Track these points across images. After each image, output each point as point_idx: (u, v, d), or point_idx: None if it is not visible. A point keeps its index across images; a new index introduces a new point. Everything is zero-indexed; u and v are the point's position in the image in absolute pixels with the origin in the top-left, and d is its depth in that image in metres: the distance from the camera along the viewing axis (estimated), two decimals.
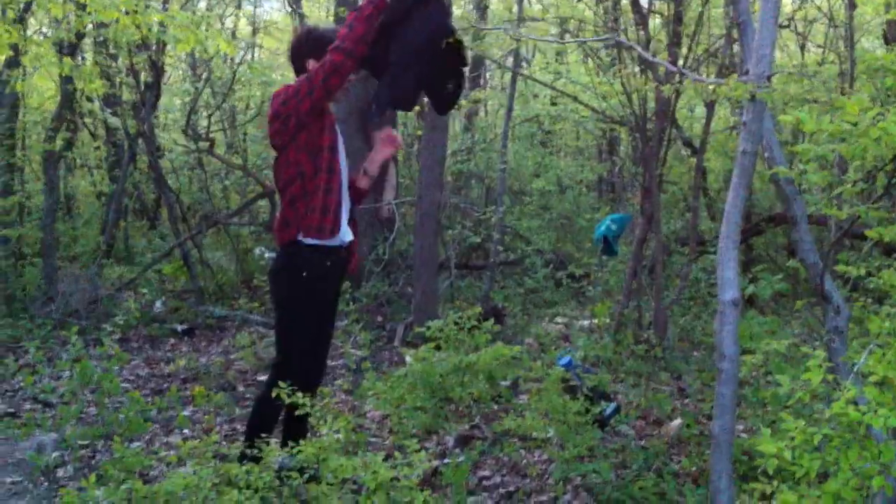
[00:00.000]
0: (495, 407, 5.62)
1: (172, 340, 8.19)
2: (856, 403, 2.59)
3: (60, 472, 4.76)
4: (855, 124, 2.60)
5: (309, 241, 3.95)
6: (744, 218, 3.38)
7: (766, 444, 2.56)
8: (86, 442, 5.18)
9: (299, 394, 3.50)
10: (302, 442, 3.37)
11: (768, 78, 3.11)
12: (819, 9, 11.23)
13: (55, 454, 4.90)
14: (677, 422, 5.30)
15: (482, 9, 10.79)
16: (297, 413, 3.56)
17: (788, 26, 10.11)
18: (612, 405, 5.28)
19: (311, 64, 3.92)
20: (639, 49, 4.14)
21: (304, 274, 3.98)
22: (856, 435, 2.61)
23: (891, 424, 2.48)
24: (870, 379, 2.66)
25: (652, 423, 5.45)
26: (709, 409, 5.40)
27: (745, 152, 3.17)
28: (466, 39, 8.47)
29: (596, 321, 7.93)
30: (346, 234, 4.09)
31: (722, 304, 3.19)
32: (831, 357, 3.36)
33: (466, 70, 4.36)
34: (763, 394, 4.95)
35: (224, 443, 5.16)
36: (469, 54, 4.80)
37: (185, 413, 5.81)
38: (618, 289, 8.11)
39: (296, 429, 4.03)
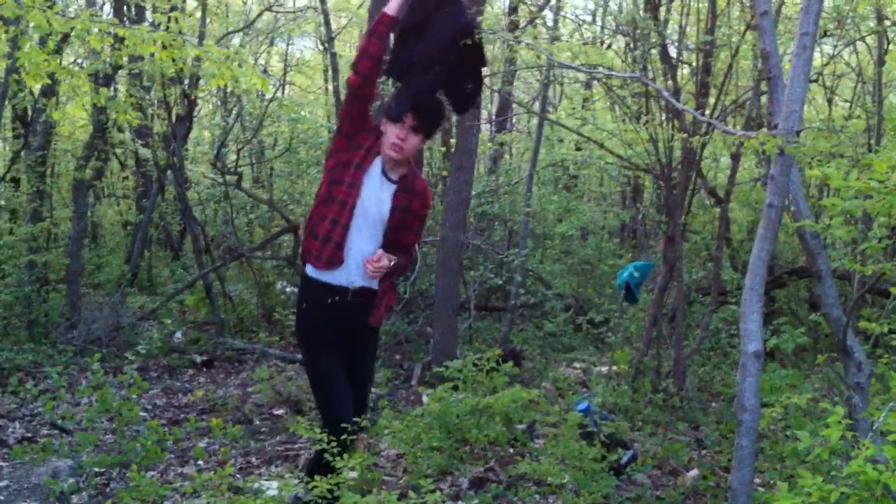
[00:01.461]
0: (511, 450, 5.60)
1: (191, 371, 8.22)
2: (874, 462, 2.58)
3: (75, 499, 4.78)
4: (882, 182, 2.61)
5: (311, 271, 3.99)
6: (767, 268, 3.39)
7: (783, 500, 2.55)
8: (102, 469, 5.19)
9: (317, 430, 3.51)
10: (317, 478, 3.38)
11: (797, 133, 3.13)
12: (848, 64, 11.27)
13: (71, 480, 4.91)
14: (693, 472, 5.26)
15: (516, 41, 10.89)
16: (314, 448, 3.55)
17: (817, 80, 10.13)
18: (629, 453, 5.24)
19: None
20: (665, 94, 4.18)
21: (304, 305, 4.06)
22: (873, 493, 2.59)
23: None
24: (889, 437, 2.65)
25: (668, 472, 5.41)
26: (726, 461, 5.36)
27: (771, 205, 3.18)
28: (492, 80, 8.58)
29: (615, 368, 7.90)
30: (352, 276, 3.94)
31: (744, 355, 3.18)
32: (851, 413, 3.35)
33: (486, 70, 4.35)
34: (781, 448, 4.91)
35: (239, 475, 5.17)
36: (488, 54, 4.79)
37: (202, 444, 5.82)
38: (637, 336, 8.08)
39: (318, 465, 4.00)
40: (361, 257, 3.89)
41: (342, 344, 4.03)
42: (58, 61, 6.35)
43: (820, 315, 3.57)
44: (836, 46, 9.23)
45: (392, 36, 4.00)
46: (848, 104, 12.03)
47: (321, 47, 15.27)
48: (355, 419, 3.86)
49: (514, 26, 11.21)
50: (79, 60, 12.25)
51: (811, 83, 9.72)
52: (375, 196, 3.91)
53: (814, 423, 4.85)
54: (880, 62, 8.35)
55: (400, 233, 3.98)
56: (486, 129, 14.10)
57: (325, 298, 3.98)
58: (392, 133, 3.87)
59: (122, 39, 5.57)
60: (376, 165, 3.93)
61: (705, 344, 8.13)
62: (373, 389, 7.35)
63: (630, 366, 7.56)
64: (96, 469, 5.15)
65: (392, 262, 3.87)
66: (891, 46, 9.46)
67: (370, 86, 3.88)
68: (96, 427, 5.86)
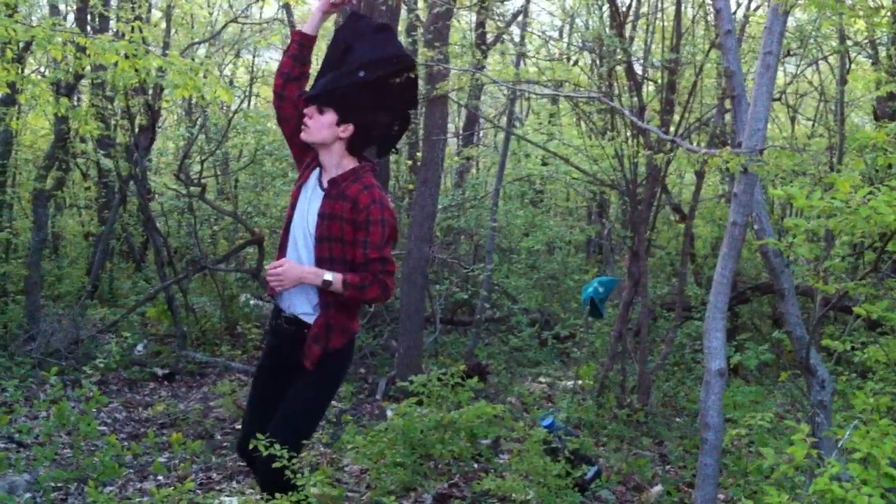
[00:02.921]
0: (475, 466, 5.57)
1: (152, 385, 8.11)
2: (839, 480, 2.58)
3: None
4: (846, 202, 2.63)
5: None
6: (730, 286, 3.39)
7: None
8: (59, 484, 5.09)
9: (277, 445, 3.45)
10: (278, 495, 3.32)
11: (760, 151, 3.15)
12: (811, 83, 11.42)
13: (27, 495, 4.82)
14: (658, 488, 5.27)
15: (478, 70, 10.91)
16: (273, 466, 3.48)
17: (780, 99, 10.26)
18: (594, 469, 5.24)
19: None
20: (626, 113, 4.19)
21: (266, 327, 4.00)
22: None
23: (874, 503, 2.47)
24: (854, 455, 2.66)
25: (632, 488, 5.41)
26: (690, 477, 5.37)
27: (735, 224, 3.20)
28: (459, 95, 8.59)
29: (580, 383, 7.91)
30: (288, 301, 3.76)
31: (708, 373, 3.19)
32: (815, 431, 3.36)
33: (412, 113, 4.18)
34: (745, 464, 4.93)
35: (199, 491, 5.09)
36: (419, 96, 4.62)
37: (161, 459, 5.73)
38: (603, 351, 8.10)
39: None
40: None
41: (279, 370, 3.86)
42: (18, 70, 6.26)
43: (783, 332, 3.58)
44: (799, 66, 9.34)
45: (310, 53, 3.89)
46: (811, 122, 12.18)
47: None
48: (252, 449, 3.55)
49: (481, 41, 11.24)
50: (41, 69, 12.11)
51: (774, 101, 9.85)
52: (306, 207, 3.73)
53: (778, 439, 4.88)
54: (842, 81, 8.47)
55: (336, 245, 3.63)
56: (452, 143, 14.11)
57: (273, 321, 3.92)
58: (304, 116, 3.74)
59: (83, 49, 5.50)
60: (313, 177, 3.78)
61: (670, 359, 8.17)
62: (335, 404, 7.31)
63: (595, 381, 7.57)
64: (53, 484, 5.05)
65: (302, 275, 3.60)
66: (853, 66, 9.60)
67: (287, 104, 3.80)
68: (54, 441, 5.75)
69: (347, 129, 3.69)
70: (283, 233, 3.81)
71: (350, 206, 3.61)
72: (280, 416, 3.69)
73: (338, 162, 3.72)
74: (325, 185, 3.71)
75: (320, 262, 3.64)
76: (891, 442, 2.71)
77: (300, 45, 3.80)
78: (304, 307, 3.72)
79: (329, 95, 3.66)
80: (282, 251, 3.78)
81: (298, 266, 3.64)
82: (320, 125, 3.67)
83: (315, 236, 3.65)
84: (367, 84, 3.70)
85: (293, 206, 3.78)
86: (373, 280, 3.59)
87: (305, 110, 3.70)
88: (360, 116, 3.70)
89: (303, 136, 3.71)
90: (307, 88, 3.83)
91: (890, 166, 3.98)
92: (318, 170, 3.79)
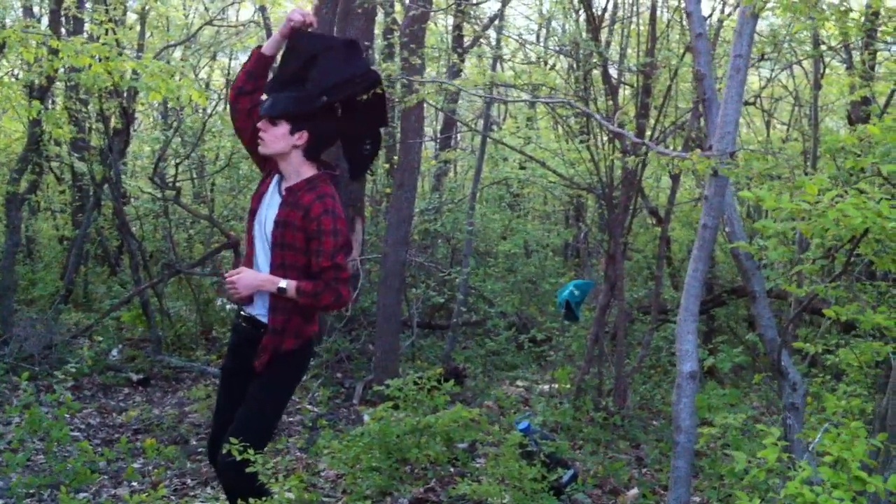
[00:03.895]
0: (452, 470, 5.56)
1: (127, 390, 8.05)
2: (811, 483, 2.59)
3: None
4: (814, 204, 2.64)
5: None
6: (706, 289, 3.41)
7: None
8: (32, 490, 5.04)
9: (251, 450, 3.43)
10: (252, 501, 3.30)
11: (731, 154, 3.16)
12: (785, 87, 11.49)
13: (0, 502, 4.77)
14: (634, 491, 5.28)
15: (455, 73, 10.92)
16: (246, 470, 3.46)
17: (754, 103, 10.31)
18: (570, 472, 5.24)
19: None
20: (597, 118, 4.20)
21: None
22: None
23: None
24: (825, 459, 2.67)
25: (609, 491, 5.42)
26: (666, 480, 5.38)
27: (705, 226, 3.21)
28: (435, 98, 8.59)
29: (556, 386, 7.91)
30: (251, 306, 3.83)
31: (680, 376, 3.20)
32: (787, 434, 3.37)
33: (383, 131, 4.15)
34: (720, 467, 4.95)
35: (173, 497, 5.06)
36: (388, 114, 4.58)
37: (135, 465, 5.69)
38: (579, 354, 8.11)
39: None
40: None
41: (239, 370, 3.90)
42: None
43: (756, 335, 3.60)
44: (773, 70, 9.40)
45: (266, 73, 3.91)
46: (786, 127, 12.26)
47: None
48: (221, 447, 3.61)
49: (458, 44, 11.25)
50: (14, 72, 12.01)
51: (749, 105, 9.92)
52: (265, 214, 3.79)
53: (751, 441, 4.90)
54: (817, 86, 8.52)
55: (289, 252, 3.68)
56: (430, 146, 14.11)
57: (235, 318, 4.02)
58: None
59: (56, 51, 5.47)
60: (273, 183, 3.82)
61: (646, 362, 8.19)
62: (312, 408, 7.28)
63: (571, 384, 7.58)
64: (26, 490, 5.00)
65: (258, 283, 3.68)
66: (827, 70, 9.66)
67: (240, 116, 3.85)
68: (26, 447, 5.69)
69: (302, 137, 3.71)
70: (247, 238, 3.87)
71: (302, 214, 3.64)
72: (235, 421, 3.72)
73: (296, 170, 3.75)
74: (283, 192, 3.76)
75: (276, 268, 3.70)
76: (862, 445, 2.72)
77: (256, 63, 3.84)
78: (260, 308, 3.78)
79: (285, 115, 3.68)
80: (248, 258, 3.84)
81: (254, 274, 3.71)
82: (274, 137, 3.70)
83: (271, 243, 3.72)
84: (328, 106, 3.74)
85: (253, 213, 3.83)
86: (325, 288, 3.63)
87: (259, 124, 3.73)
88: (314, 125, 3.72)
89: (260, 149, 3.76)
90: (262, 97, 3.82)
91: (862, 170, 4.00)
92: (278, 176, 3.82)
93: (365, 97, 3.82)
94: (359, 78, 3.79)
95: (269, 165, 3.86)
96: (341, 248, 3.64)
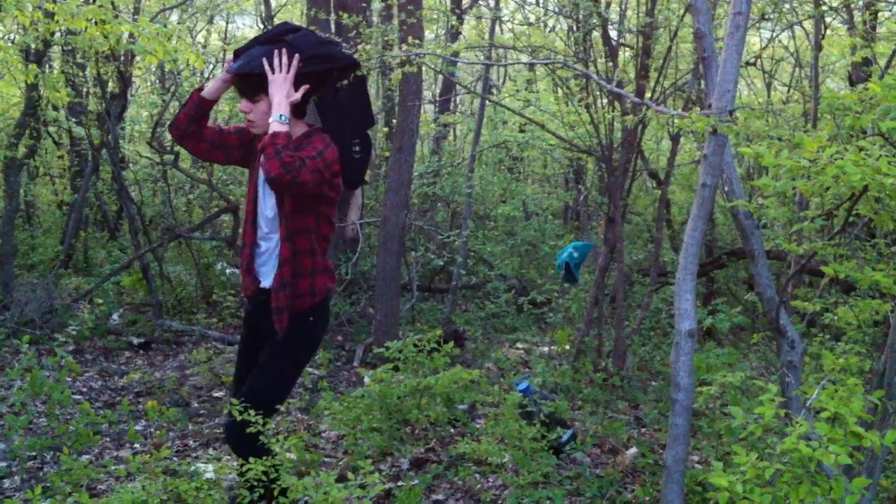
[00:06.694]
0: (452, 431, 5.60)
1: (128, 353, 8.08)
2: (808, 439, 2.61)
3: (7, 483, 4.68)
4: (813, 161, 2.63)
5: None
6: (705, 251, 3.42)
7: (717, 478, 2.57)
8: (34, 453, 5.08)
9: (251, 411, 3.45)
10: (252, 460, 3.33)
11: (730, 112, 3.15)
12: (786, 48, 11.42)
13: (2, 464, 4.81)
14: (633, 450, 5.32)
15: (454, 35, 10.85)
16: (247, 431, 3.48)
17: (755, 64, 10.26)
18: (569, 432, 5.28)
19: None
20: (594, 78, 4.18)
21: None
22: (807, 470, 2.63)
23: (842, 462, 2.50)
24: (822, 415, 2.68)
25: (607, 451, 5.46)
26: (664, 439, 5.41)
27: (704, 185, 3.20)
28: (434, 61, 8.54)
29: (556, 348, 7.95)
30: (263, 280, 3.81)
31: (678, 334, 3.21)
32: (785, 391, 3.39)
33: (370, 128, 4.01)
34: (718, 425, 4.98)
35: (175, 458, 5.10)
36: (373, 111, 4.46)
37: (137, 427, 5.73)
38: (579, 316, 8.14)
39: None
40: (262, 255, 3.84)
41: (254, 338, 3.93)
42: None
43: (755, 294, 3.61)
44: (774, 31, 9.33)
45: (206, 115, 3.84)
46: (786, 88, 12.20)
47: (261, 25, 15.05)
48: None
49: (457, 3, 11.16)
50: (10, 36, 11.92)
51: (750, 66, 9.86)
52: (264, 192, 3.78)
53: (750, 400, 4.93)
54: (818, 47, 8.46)
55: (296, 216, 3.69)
56: (429, 109, 14.04)
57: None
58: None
59: (52, 14, 5.42)
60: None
61: (645, 324, 8.23)
62: (312, 371, 7.31)
63: (571, 346, 7.62)
64: (28, 453, 5.04)
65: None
66: (828, 31, 9.60)
67: (194, 147, 3.82)
68: (28, 410, 5.72)
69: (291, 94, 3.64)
70: (249, 208, 3.81)
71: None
72: (247, 385, 3.74)
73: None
74: None
75: (285, 239, 3.66)
76: (858, 401, 2.74)
77: (197, 106, 3.77)
78: (269, 279, 3.76)
79: (255, 79, 3.60)
80: (249, 227, 3.80)
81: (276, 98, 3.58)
82: (261, 114, 3.66)
83: (278, 214, 3.68)
84: (305, 75, 3.65)
85: (254, 184, 3.80)
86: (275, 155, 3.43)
87: (242, 107, 3.71)
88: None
89: (254, 131, 3.72)
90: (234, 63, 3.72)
91: (863, 131, 3.99)
92: None
93: (345, 83, 3.79)
94: (337, 57, 3.76)
95: (255, 148, 3.79)
96: (322, 158, 3.52)
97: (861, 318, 4.12)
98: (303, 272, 3.71)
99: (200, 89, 3.79)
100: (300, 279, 3.71)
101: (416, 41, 6.21)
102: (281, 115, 3.53)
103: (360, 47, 5.20)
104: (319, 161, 3.50)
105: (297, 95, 3.60)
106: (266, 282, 3.77)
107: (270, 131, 3.49)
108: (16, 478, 4.73)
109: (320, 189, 3.59)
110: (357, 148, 3.79)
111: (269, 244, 3.77)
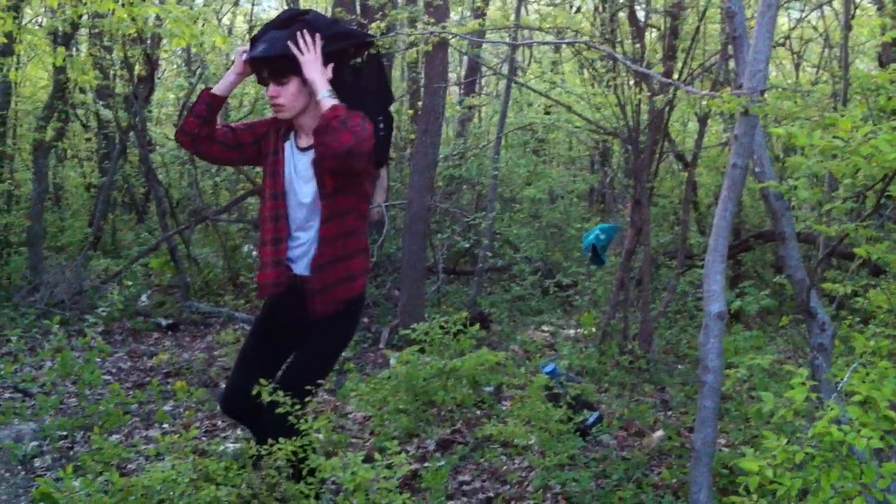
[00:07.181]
0: (478, 412, 5.61)
1: (156, 335, 8.15)
2: (839, 423, 2.59)
3: (38, 462, 4.73)
4: (847, 141, 2.60)
5: None
6: (733, 234, 3.39)
7: (747, 462, 2.56)
8: (64, 433, 5.14)
9: (280, 392, 3.46)
10: (282, 440, 3.34)
11: (762, 93, 3.12)
12: (815, 29, 11.29)
13: (33, 444, 4.87)
14: (659, 433, 5.30)
15: (479, 16, 10.80)
16: (276, 412, 3.48)
17: (784, 45, 10.14)
18: (595, 414, 5.27)
19: None
20: (620, 58, 4.14)
21: None
22: (838, 454, 2.61)
23: (873, 445, 2.47)
24: (853, 398, 2.66)
25: (634, 433, 5.45)
26: (691, 422, 5.40)
27: (735, 166, 3.17)
28: (460, 42, 8.51)
29: (582, 330, 7.93)
30: (295, 265, 3.69)
31: (707, 316, 3.18)
32: (815, 374, 3.36)
33: (392, 107, 3.93)
34: (746, 409, 4.96)
35: (203, 438, 5.14)
36: (392, 90, 4.39)
37: (166, 408, 5.78)
38: (605, 299, 8.11)
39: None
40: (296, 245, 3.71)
41: (281, 324, 3.83)
42: (13, 18, 6.19)
43: (784, 277, 3.57)
44: (803, 11, 9.23)
45: (217, 114, 3.70)
46: (815, 69, 12.07)
47: (286, 7, 15.06)
48: (245, 400, 3.59)
49: None
50: (38, 19, 12.00)
51: (779, 47, 9.75)
52: (294, 173, 3.65)
53: (778, 384, 4.90)
54: (847, 27, 8.34)
55: (339, 197, 3.62)
56: (454, 91, 14.00)
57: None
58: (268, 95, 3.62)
59: None
60: (288, 146, 3.68)
61: (672, 307, 8.18)
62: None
63: (597, 328, 7.59)
64: (59, 432, 5.10)
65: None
66: (857, 11, 9.47)
67: (207, 150, 3.69)
68: (59, 390, 5.80)
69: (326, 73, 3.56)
70: (274, 203, 3.66)
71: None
72: (292, 370, 3.68)
73: (315, 114, 3.56)
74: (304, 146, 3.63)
75: (325, 220, 3.59)
76: (890, 384, 2.71)
77: (208, 105, 3.63)
78: (304, 270, 3.67)
79: (282, 61, 3.51)
80: (280, 221, 3.66)
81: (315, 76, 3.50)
82: (291, 96, 3.56)
83: (319, 195, 3.58)
84: (328, 55, 3.58)
85: (281, 176, 3.65)
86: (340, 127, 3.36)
87: (268, 92, 3.59)
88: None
89: (282, 116, 3.60)
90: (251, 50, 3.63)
91: (894, 112, 3.93)
92: (291, 138, 3.69)
93: (360, 60, 3.73)
94: (355, 34, 3.73)
95: (268, 140, 3.71)
96: (362, 134, 3.36)
97: (893, 301, 4.07)
98: (344, 253, 3.65)
99: (208, 90, 3.68)
100: (340, 261, 3.65)
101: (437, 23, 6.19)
102: (327, 91, 3.45)
103: (378, 25, 5.17)
104: (364, 132, 3.38)
105: (330, 73, 3.56)
106: (300, 269, 3.67)
107: (327, 106, 3.38)
108: (47, 457, 4.79)
109: (370, 162, 3.54)
110: (382, 125, 3.73)
111: (309, 233, 3.66)
